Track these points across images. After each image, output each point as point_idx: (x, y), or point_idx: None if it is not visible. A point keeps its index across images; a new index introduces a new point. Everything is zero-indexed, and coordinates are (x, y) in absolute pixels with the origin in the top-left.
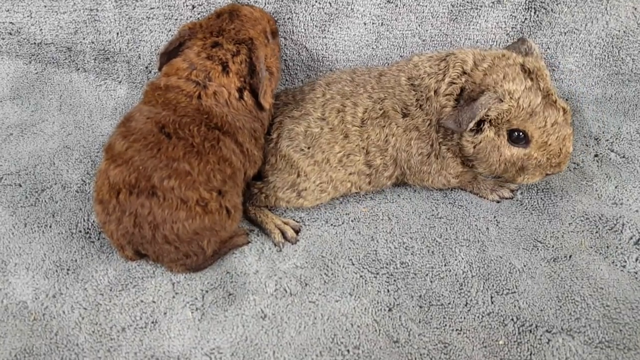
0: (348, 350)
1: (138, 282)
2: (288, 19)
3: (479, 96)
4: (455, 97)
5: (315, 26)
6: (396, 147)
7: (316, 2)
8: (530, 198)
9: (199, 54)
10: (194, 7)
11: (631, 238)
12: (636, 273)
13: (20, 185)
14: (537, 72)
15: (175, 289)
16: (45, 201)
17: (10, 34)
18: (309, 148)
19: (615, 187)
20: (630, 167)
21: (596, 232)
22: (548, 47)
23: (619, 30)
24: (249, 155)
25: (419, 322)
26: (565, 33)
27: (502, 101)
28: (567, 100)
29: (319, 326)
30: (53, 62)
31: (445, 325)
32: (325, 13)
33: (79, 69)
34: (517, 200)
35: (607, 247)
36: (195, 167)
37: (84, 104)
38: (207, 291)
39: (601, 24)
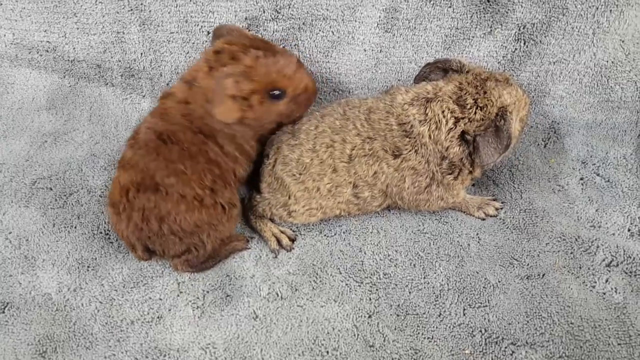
0: (327, 352)
1: (148, 280)
2: (294, 45)
3: (501, 125)
4: (457, 136)
5: (319, 52)
6: (386, 183)
7: (320, 30)
8: (513, 217)
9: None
10: (209, 32)
11: (604, 260)
12: (604, 294)
13: (51, 189)
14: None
15: (180, 288)
16: (72, 204)
17: (47, 51)
18: (300, 174)
19: (596, 210)
20: (613, 191)
21: (571, 253)
22: (538, 75)
23: (607, 61)
24: (232, 157)
25: (395, 329)
26: (554, 63)
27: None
28: (558, 124)
29: (303, 328)
30: (84, 77)
31: (418, 333)
32: (329, 40)
33: (107, 84)
34: (500, 218)
35: (580, 267)
36: (189, 168)
37: (111, 115)
38: (207, 292)
39: (589, 54)
